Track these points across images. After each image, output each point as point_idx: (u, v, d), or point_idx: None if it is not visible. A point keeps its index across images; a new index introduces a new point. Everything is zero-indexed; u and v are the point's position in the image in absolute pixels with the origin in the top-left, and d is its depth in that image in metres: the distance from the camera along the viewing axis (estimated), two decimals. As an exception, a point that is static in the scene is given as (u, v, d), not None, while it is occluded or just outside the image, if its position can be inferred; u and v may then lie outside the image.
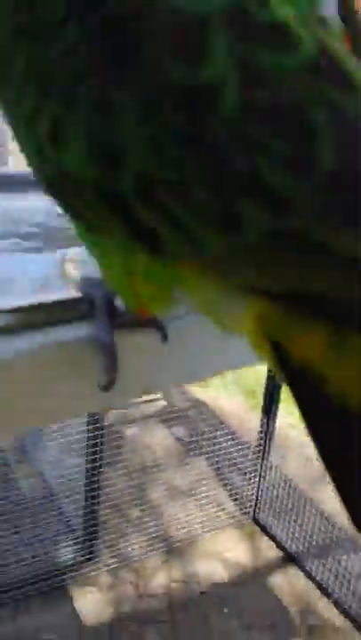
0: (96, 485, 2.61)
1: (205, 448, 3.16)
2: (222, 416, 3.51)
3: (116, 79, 0.40)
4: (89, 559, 2.65)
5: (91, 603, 2.54)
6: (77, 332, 0.56)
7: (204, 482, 3.12)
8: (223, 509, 3.06)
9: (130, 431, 3.30)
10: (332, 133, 0.39)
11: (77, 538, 2.63)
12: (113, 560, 2.70)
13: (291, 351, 0.44)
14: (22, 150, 0.48)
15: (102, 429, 2.58)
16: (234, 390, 3.99)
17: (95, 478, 2.60)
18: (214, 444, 3.13)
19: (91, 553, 2.65)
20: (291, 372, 0.45)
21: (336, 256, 0.39)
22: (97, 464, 2.58)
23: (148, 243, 0.45)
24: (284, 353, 0.44)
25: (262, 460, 3.05)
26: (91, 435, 2.54)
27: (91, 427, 2.54)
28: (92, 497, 2.61)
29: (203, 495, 3.06)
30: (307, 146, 0.39)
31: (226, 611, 2.57)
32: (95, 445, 2.55)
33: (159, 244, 0.44)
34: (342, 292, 0.40)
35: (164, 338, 0.59)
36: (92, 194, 0.44)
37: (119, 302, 0.58)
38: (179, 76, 0.39)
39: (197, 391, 3.71)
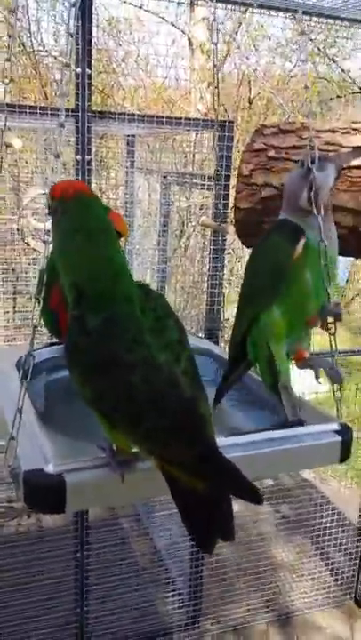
0: (201, 554, 2.87)
1: (309, 527, 3.32)
2: (329, 496, 3.64)
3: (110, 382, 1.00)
4: (193, 623, 2.89)
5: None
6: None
7: (306, 559, 3.26)
8: (325, 588, 3.17)
9: (236, 507, 3.53)
10: (176, 402, 0.98)
11: (182, 601, 2.89)
12: (215, 626, 2.91)
13: (165, 469, 0.99)
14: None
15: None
16: (343, 471, 4.10)
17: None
18: (318, 524, 3.29)
19: (194, 617, 2.89)
20: (165, 475, 0.99)
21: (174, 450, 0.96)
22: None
23: (112, 424, 1.05)
24: (163, 469, 0.99)
25: (363, 541, 3.15)
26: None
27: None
28: (197, 565, 2.87)
29: (305, 572, 3.19)
30: (167, 414, 0.97)
31: None
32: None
33: (116, 426, 1.04)
34: (181, 463, 0.96)
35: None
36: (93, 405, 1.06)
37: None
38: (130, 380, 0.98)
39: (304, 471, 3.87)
